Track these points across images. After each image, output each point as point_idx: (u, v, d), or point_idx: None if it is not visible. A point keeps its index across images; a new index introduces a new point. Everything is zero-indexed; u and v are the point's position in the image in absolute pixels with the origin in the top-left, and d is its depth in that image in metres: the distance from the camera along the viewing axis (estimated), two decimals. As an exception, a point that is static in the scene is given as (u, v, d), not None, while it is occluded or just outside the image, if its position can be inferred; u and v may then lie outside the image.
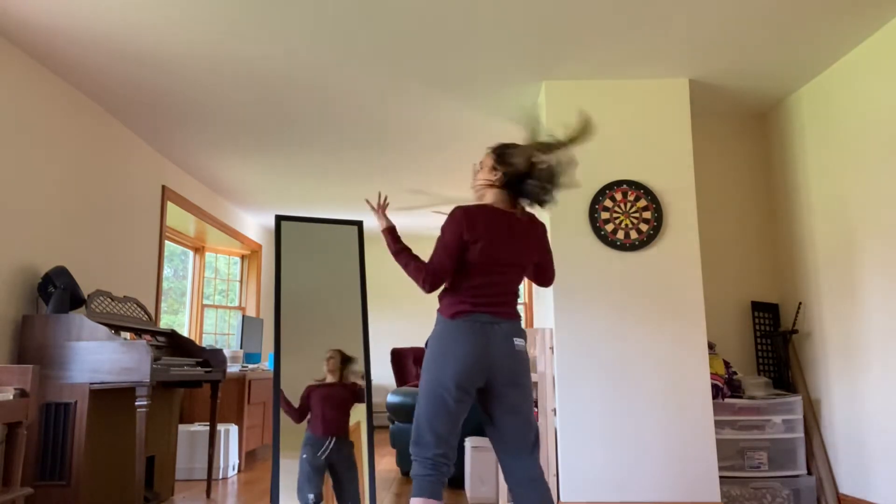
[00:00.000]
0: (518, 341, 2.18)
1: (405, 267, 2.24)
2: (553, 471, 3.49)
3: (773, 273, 4.27)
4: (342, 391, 3.37)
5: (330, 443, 3.27)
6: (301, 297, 3.45)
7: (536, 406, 3.41)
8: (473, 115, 4.40)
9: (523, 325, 8.13)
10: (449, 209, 7.01)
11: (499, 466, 3.66)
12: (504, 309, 2.20)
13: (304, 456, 3.23)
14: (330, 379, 3.37)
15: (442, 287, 2.24)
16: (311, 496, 3.16)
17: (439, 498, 2.06)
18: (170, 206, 5.34)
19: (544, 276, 2.40)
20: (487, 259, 2.18)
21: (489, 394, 2.17)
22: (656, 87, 3.85)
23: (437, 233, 8.29)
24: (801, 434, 3.71)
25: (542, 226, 2.35)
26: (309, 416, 3.29)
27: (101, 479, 3.38)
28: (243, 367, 5.66)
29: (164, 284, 5.59)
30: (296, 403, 3.28)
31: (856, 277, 3.52)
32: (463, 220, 2.18)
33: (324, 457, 3.24)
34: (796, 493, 3.65)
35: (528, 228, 2.27)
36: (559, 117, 3.83)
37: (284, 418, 3.26)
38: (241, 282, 7.43)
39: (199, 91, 3.97)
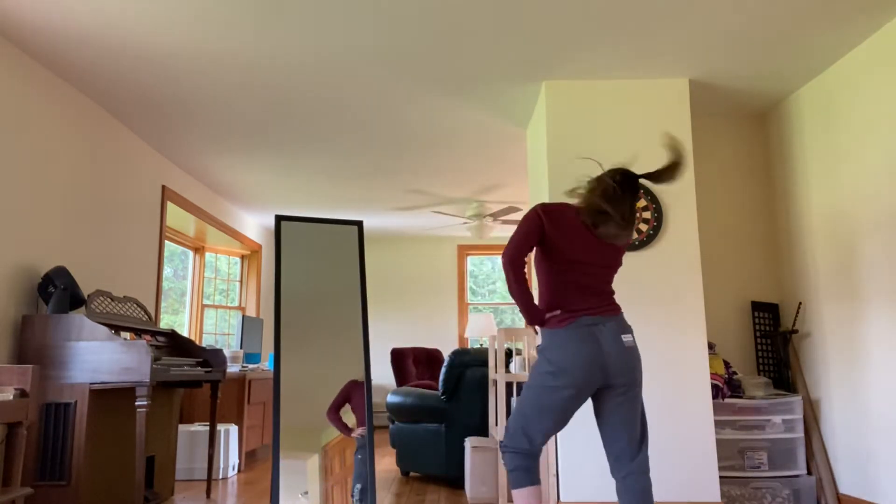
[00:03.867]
0: (626, 338, 2.17)
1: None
2: (553, 471, 3.49)
3: (773, 273, 4.27)
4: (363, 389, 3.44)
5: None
6: (301, 297, 3.45)
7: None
8: (473, 115, 4.40)
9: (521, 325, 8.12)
10: (449, 209, 7.01)
11: (500, 466, 3.66)
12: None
13: (360, 457, 3.31)
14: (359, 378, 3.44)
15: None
16: (358, 486, 3.26)
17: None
18: (170, 206, 5.34)
19: None
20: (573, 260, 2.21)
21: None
22: (656, 87, 3.85)
23: (436, 232, 8.29)
24: (801, 434, 3.71)
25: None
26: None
27: (101, 479, 3.38)
28: (243, 367, 5.66)
29: (164, 284, 5.59)
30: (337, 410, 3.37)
31: (856, 277, 3.52)
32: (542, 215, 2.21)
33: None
34: (796, 493, 3.65)
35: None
36: (559, 117, 3.83)
37: (284, 418, 3.26)
38: (241, 282, 7.43)
39: (200, 91, 3.97)
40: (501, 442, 2.18)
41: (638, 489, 2.10)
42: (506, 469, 2.17)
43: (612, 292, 2.24)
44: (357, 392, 3.38)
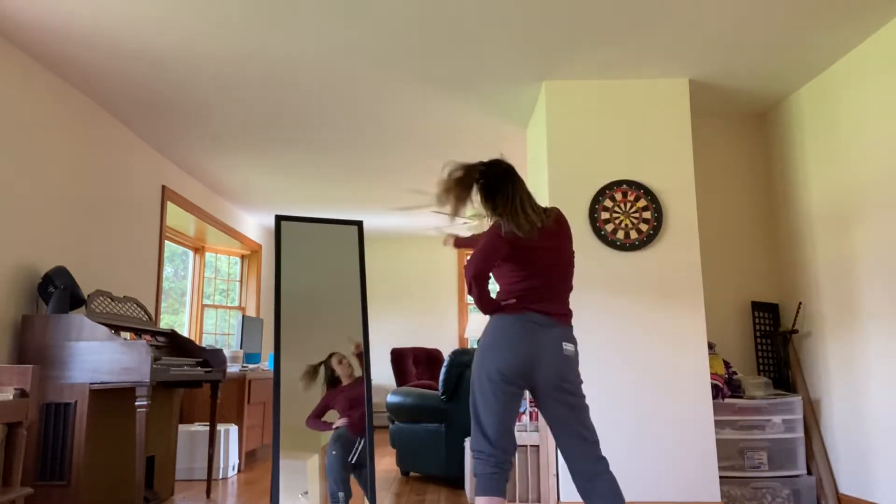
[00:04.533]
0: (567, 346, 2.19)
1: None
2: (553, 471, 3.50)
3: (773, 273, 4.27)
4: (359, 389, 3.41)
5: (359, 444, 3.32)
6: (301, 297, 3.45)
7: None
8: (473, 115, 4.40)
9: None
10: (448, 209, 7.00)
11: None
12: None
13: (335, 453, 3.26)
14: (347, 381, 3.39)
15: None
16: (342, 494, 3.19)
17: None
18: (170, 206, 5.34)
19: None
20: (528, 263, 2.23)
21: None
22: (656, 87, 3.85)
23: (435, 232, 8.29)
24: (801, 434, 3.71)
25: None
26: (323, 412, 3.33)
27: (101, 479, 3.38)
28: (243, 367, 5.66)
29: (164, 284, 5.59)
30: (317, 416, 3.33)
31: (856, 277, 3.52)
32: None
33: (355, 458, 3.28)
34: (796, 493, 3.65)
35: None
36: (559, 117, 3.83)
37: (284, 418, 3.27)
38: (241, 282, 7.43)
39: (200, 91, 3.97)
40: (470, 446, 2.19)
41: (608, 488, 2.11)
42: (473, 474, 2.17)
43: (570, 290, 2.28)
44: (338, 397, 3.36)
